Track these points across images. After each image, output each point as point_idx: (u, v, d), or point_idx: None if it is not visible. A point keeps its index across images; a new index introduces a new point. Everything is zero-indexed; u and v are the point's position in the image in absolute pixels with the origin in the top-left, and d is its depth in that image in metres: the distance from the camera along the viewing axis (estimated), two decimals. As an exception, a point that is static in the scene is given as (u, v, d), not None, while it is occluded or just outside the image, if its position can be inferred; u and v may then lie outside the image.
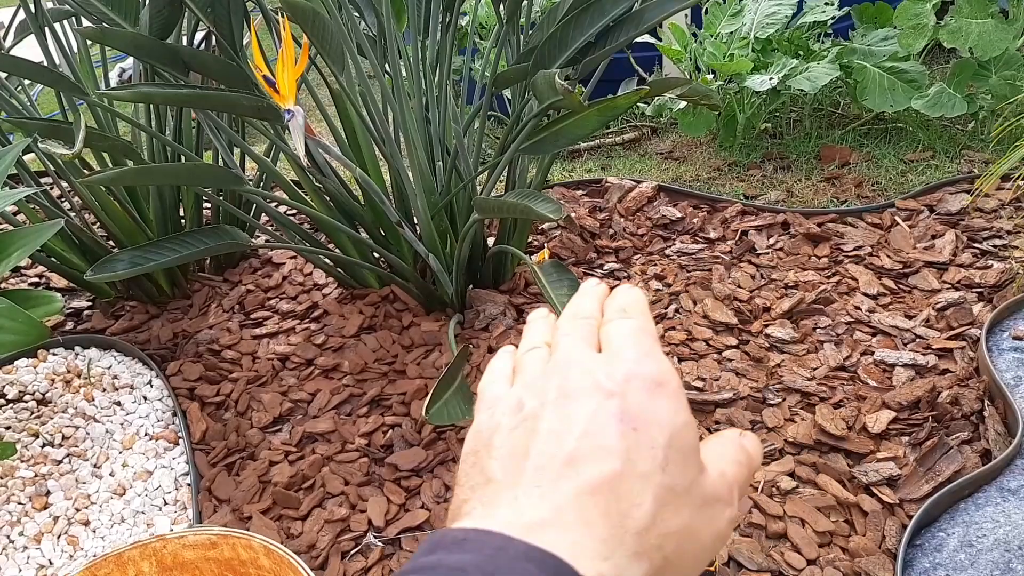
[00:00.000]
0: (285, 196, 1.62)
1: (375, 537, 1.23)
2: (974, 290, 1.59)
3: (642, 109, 2.75)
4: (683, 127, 2.32)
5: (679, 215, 2.01)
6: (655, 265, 1.85)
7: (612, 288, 0.37)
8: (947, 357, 1.45)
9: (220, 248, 1.31)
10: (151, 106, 1.82)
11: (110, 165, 1.84)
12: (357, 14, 1.56)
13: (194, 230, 1.31)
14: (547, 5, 1.47)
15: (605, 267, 1.87)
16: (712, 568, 1.01)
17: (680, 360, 1.54)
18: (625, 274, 1.84)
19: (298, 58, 1.16)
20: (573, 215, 2.01)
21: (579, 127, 1.33)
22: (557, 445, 0.29)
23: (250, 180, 2.15)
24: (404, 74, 1.51)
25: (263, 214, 2.08)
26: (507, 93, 2.75)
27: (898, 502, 1.19)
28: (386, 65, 1.50)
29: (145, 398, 1.61)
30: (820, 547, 1.15)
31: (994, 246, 1.71)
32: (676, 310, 1.68)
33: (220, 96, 1.26)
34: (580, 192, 2.18)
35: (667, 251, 1.91)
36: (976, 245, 1.71)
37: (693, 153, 2.46)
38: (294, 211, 2.20)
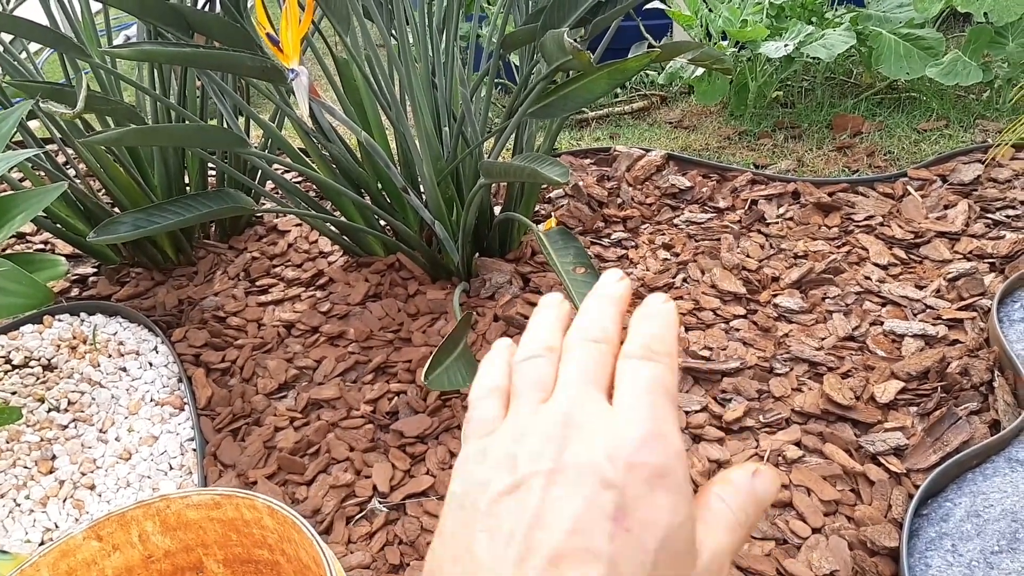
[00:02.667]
0: (290, 161, 1.61)
1: (380, 503, 1.23)
2: (986, 260, 1.57)
3: (653, 77, 2.71)
4: (698, 95, 2.28)
5: (688, 184, 1.98)
6: (663, 234, 1.83)
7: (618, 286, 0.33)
8: (957, 328, 1.43)
9: (223, 212, 1.30)
10: (155, 71, 1.80)
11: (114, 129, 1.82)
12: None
13: (197, 193, 1.29)
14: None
15: (613, 236, 1.85)
16: None
17: (687, 329, 1.53)
18: (633, 243, 1.82)
19: (302, 17, 1.14)
20: (581, 184, 1.99)
21: (588, 91, 1.30)
22: (544, 535, 0.27)
23: (255, 146, 2.13)
24: (411, 39, 1.49)
25: (268, 181, 2.07)
26: (515, 61, 2.72)
27: (905, 472, 1.18)
28: (392, 29, 1.47)
29: (151, 364, 1.61)
30: (826, 516, 1.15)
31: (1007, 216, 1.68)
32: (684, 279, 1.66)
33: (223, 55, 1.24)
34: (588, 161, 2.16)
35: (676, 220, 1.89)
36: (989, 215, 1.69)
37: (703, 122, 2.43)
38: (300, 178, 2.18)
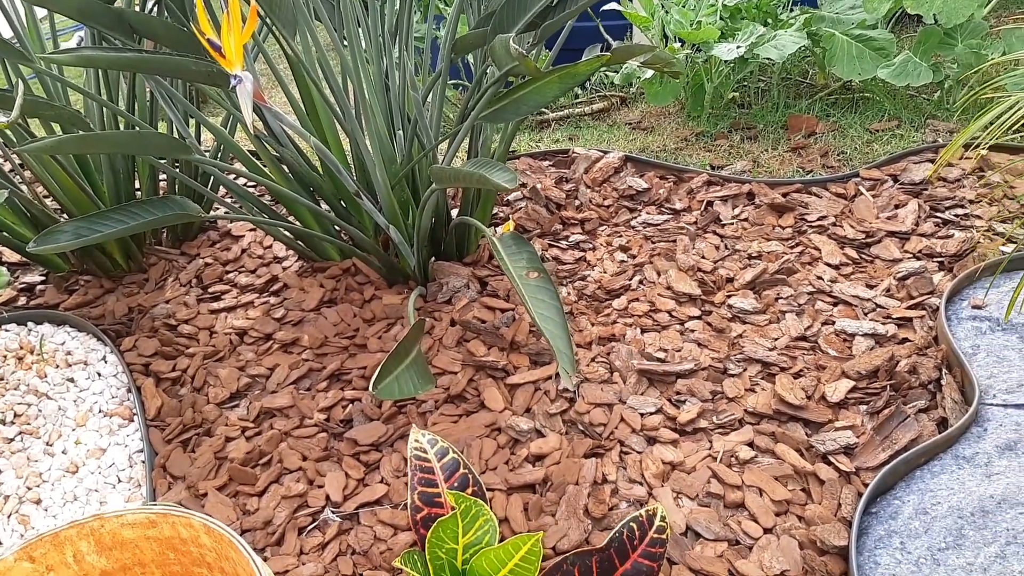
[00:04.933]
0: (243, 168, 1.58)
1: (333, 512, 1.22)
2: (935, 259, 1.60)
3: (611, 79, 2.72)
4: (650, 97, 2.29)
5: (645, 186, 1.99)
6: (620, 236, 1.84)
7: None
8: (907, 326, 1.45)
9: (169, 219, 1.27)
10: (103, 76, 1.76)
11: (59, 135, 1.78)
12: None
13: (142, 200, 1.27)
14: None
15: (571, 238, 1.85)
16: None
17: (643, 331, 1.53)
18: (591, 245, 1.82)
19: (245, 22, 1.12)
20: (539, 186, 1.99)
21: (540, 94, 1.30)
22: None
23: (207, 152, 2.10)
24: (363, 42, 1.47)
25: (222, 187, 2.04)
26: (473, 60, 2.71)
27: (854, 470, 1.20)
28: (344, 33, 1.45)
29: (99, 374, 1.57)
30: (777, 516, 1.15)
31: (956, 215, 1.71)
32: (640, 281, 1.67)
33: (168, 60, 1.22)
34: (547, 163, 2.15)
35: (633, 222, 1.89)
36: (938, 214, 1.72)
37: (661, 123, 2.44)
38: (254, 183, 2.15)
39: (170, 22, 1.38)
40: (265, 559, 1.17)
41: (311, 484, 1.27)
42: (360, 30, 1.46)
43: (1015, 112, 0.98)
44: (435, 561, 0.80)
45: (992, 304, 1.45)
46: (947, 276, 1.54)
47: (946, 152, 1.09)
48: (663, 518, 0.88)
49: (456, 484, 0.88)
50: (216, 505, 1.25)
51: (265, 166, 1.65)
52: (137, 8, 1.72)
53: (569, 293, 1.66)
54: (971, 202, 1.74)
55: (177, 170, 1.80)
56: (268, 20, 1.31)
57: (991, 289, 1.50)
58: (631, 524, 0.87)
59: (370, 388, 0.99)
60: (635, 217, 1.91)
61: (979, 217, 1.70)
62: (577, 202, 1.98)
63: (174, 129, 1.78)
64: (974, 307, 1.45)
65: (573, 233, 1.87)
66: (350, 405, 1.40)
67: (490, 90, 1.25)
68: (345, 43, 1.43)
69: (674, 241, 1.78)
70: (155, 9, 1.80)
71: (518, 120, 1.62)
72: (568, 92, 1.29)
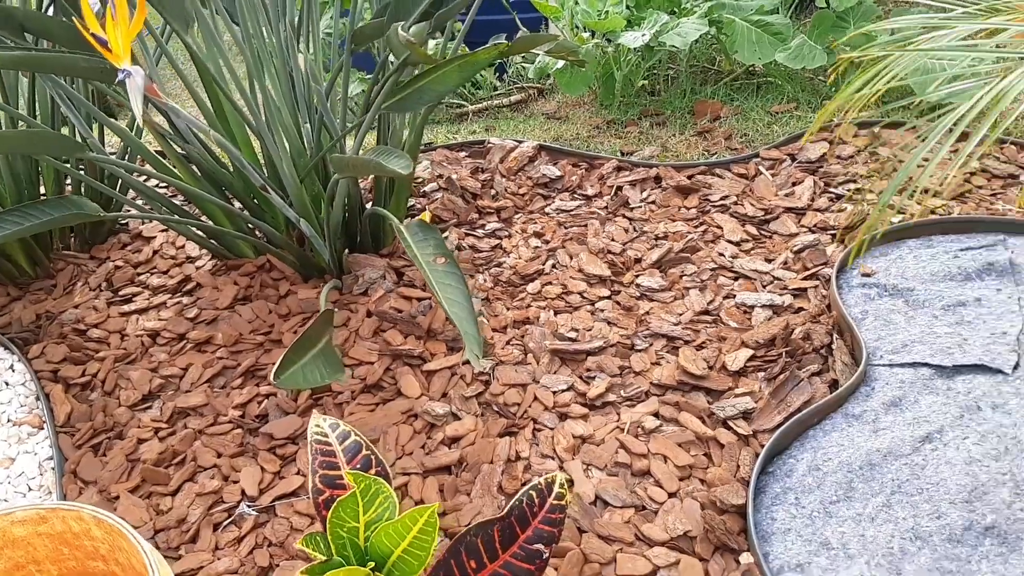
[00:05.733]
0: (151, 168, 1.56)
1: (248, 506, 1.22)
2: (829, 232, 1.68)
3: (527, 71, 2.75)
4: (561, 86, 2.34)
5: (559, 173, 2.03)
6: (535, 223, 1.87)
7: None
8: (802, 296, 1.52)
9: (67, 219, 1.25)
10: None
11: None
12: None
13: (37, 201, 1.24)
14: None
15: (487, 227, 1.88)
16: None
17: (556, 313, 1.57)
18: (506, 233, 1.85)
19: (133, 16, 1.11)
20: (455, 177, 2.01)
21: (441, 83, 1.32)
22: None
23: (114, 153, 2.06)
24: (266, 36, 1.47)
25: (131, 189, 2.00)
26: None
27: (752, 433, 1.26)
28: (248, 27, 1.45)
29: (7, 383, 1.53)
30: (680, 480, 1.21)
31: (848, 190, 1.80)
32: (553, 265, 1.71)
33: (56, 58, 1.20)
34: (463, 153, 2.18)
35: (547, 209, 1.93)
36: (832, 190, 1.80)
37: (576, 112, 2.49)
38: (165, 184, 2.12)
39: (63, 20, 1.36)
40: (179, 557, 1.16)
41: (226, 480, 1.27)
42: (263, 25, 1.45)
43: (877, 82, 1.04)
44: (337, 541, 0.81)
45: (880, 272, 1.54)
46: (840, 247, 1.62)
47: (818, 118, 1.15)
48: (562, 484, 0.91)
49: (359, 466, 0.90)
50: (129, 507, 1.24)
51: (173, 164, 1.63)
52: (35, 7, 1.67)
53: (485, 280, 1.69)
54: (862, 176, 1.84)
55: (83, 172, 1.77)
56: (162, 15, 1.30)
57: (880, 257, 1.58)
58: (530, 492, 0.90)
59: (271, 378, 1.00)
60: (549, 204, 1.95)
61: (870, 191, 1.79)
62: (493, 191, 2.00)
63: (76, 131, 1.75)
64: (863, 275, 1.53)
65: (489, 221, 1.90)
66: (265, 400, 1.40)
67: (391, 80, 1.27)
68: (241, 33, 1.42)
69: (586, 226, 1.83)
70: (50, 8, 1.75)
71: (427, 110, 1.64)
72: (467, 80, 1.31)
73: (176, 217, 1.61)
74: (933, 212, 1.69)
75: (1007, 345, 1.27)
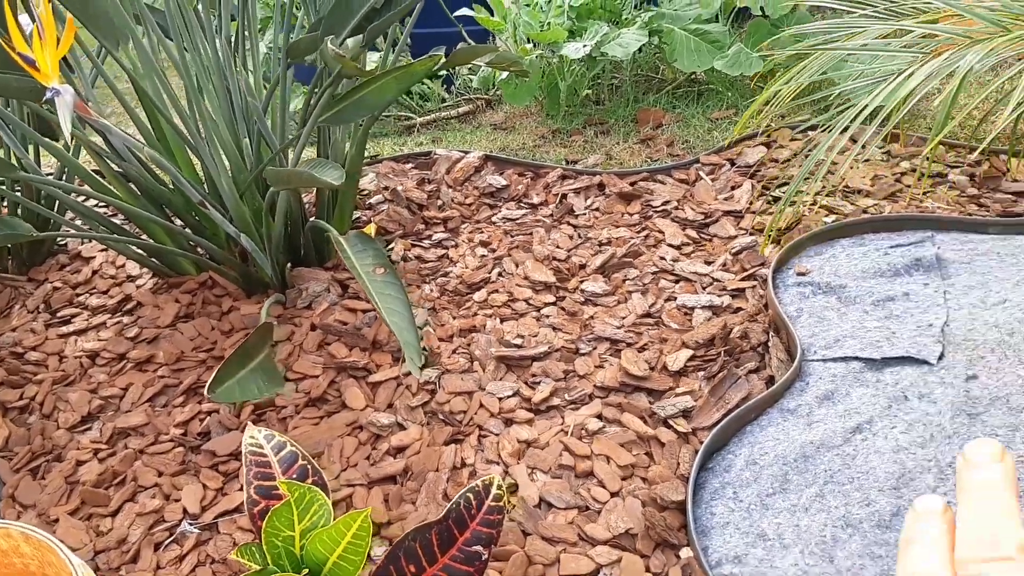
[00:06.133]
0: (89, 188, 1.54)
1: (190, 524, 1.21)
2: (766, 234, 1.72)
3: (474, 82, 2.78)
4: (506, 96, 2.36)
5: (505, 183, 2.05)
6: (482, 232, 1.89)
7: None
8: (740, 296, 1.56)
9: (-3, 241, 1.23)
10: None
11: None
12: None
13: (-35, 224, 1.22)
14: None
15: (433, 237, 1.89)
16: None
17: (502, 321, 1.58)
18: (453, 243, 1.86)
19: (62, 34, 1.10)
20: (400, 188, 2.02)
21: (379, 95, 1.33)
22: None
23: (51, 174, 2.03)
24: (203, 51, 1.47)
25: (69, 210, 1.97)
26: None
27: (692, 431, 1.28)
28: (184, 43, 1.44)
29: (-60, 410, 1.50)
30: (623, 480, 1.22)
31: (784, 192, 1.85)
32: (499, 274, 1.72)
33: (-17, 79, 1.18)
34: (409, 165, 2.19)
35: (493, 218, 1.95)
36: (769, 192, 1.85)
37: (523, 123, 2.51)
38: (104, 203, 2.09)
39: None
40: (121, 577, 1.15)
41: (167, 499, 1.26)
42: (199, 41, 1.45)
43: (790, 84, 1.08)
44: (272, 550, 0.81)
45: (815, 270, 1.58)
46: (776, 248, 1.67)
47: (744, 116, 1.19)
48: (499, 487, 0.92)
49: (295, 476, 0.90)
50: (68, 529, 1.22)
51: (110, 183, 1.61)
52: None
53: (432, 290, 1.70)
54: (791, 179, 1.89)
55: (18, 194, 1.74)
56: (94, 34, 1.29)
57: (815, 257, 1.63)
58: (468, 495, 0.91)
59: (206, 392, 1.00)
60: (495, 213, 1.97)
61: (805, 192, 1.84)
62: (439, 202, 2.02)
63: (11, 153, 1.72)
64: (799, 274, 1.58)
65: (436, 232, 1.91)
66: (208, 418, 1.39)
67: (327, 93, 1.28)
68: (185, 51, 1.42)
69: (531, 234, 1.85)
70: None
71: (368, 122, 1.65)
72: (404, 91, 1.32)
73: (114, 236, 1.59)
74: (865, 212, 1.75)
75: (932, 337, 1.32)
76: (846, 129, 0.94)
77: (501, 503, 0.93)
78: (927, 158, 1.93)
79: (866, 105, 0.95)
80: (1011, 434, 1.10)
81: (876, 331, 1.38)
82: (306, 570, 0.80)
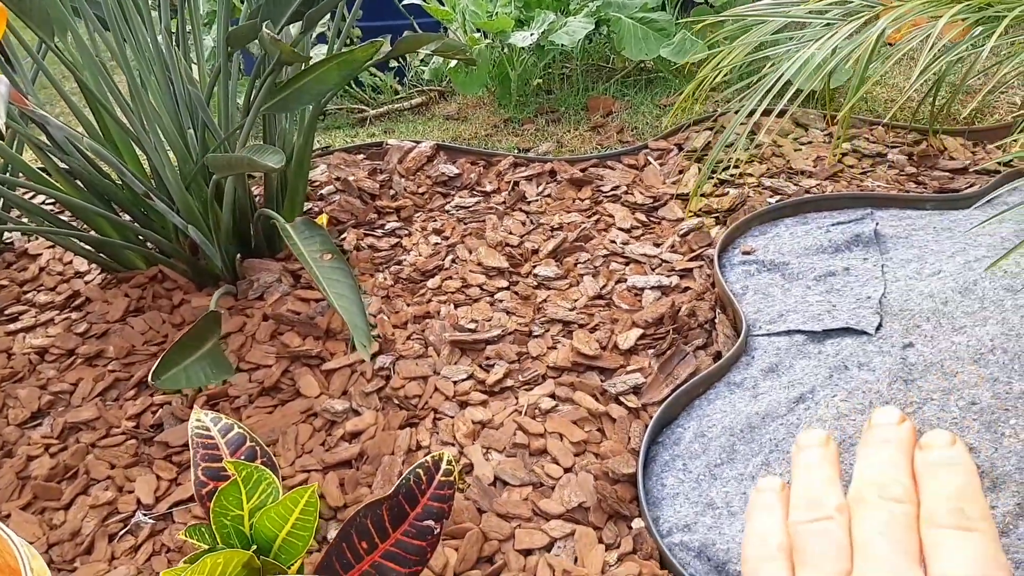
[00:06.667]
0: (32, 183, 1.51)
1: (144, 515, 1.20)
2: (712, 215, 1.76)
3: (425, 73, 2.78)
4: (457, 85, 2.37)
5: (457, 171, 2.06)
6: (435, 221, 1.90)
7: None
8: (688, 276, 1.59)
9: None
10: None
11: None
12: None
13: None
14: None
15: (386, 226, 1.89)
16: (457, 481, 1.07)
17: (456, 306, 1.60)
18: (406, 232, 1.87)
19: (-6, 23, 1.08)
20: (351, 179, 2.02)
21: (321, 82, 1.33)
22: None
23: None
24: (143, 42, 1.45)
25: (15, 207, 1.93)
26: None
27: (642, 406, 1.31)
28: (121, 33, 1.43)
29: None
30: (575, 456, 1.25)
31: (731, 175, 1.89)
32: (453, 260, 1.74)
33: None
34: (360, 156, 2.18)
35: (446, 207, 1.96)
36: (715, 175, 1.89)
37: (475, 113, 2.52)
38: (52, 200, 2.05)
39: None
40: (74, 569, 1.14)
41: (120, 491, 1.25)
42: (138, 31, 1.43)
43: (720, 69, 1.11)
44: (221, 530, 0.82)
45: (760, 249, 1.62)
46: (722, 229, 1.70)
47: (676, 106, 1.22)
48: (449, 461, 0.94)
49: (244, 457, 0.91)
50: (21, 524, 1.20)
51: (54, 178, 1.59)
52: None
53: (386, 278, 1.70)
54: (744, 162, 1.93)
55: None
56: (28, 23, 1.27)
57: (760, 236, 1.67)
58: (418, 471, 0.92)
59: (150, 379, 1.00)
60: (448, 202, 1.98)
61: (751, 175, 1.88)
62: (392, 191, 2.02)
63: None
64: (744, 253, 1.62)
65: (389, 221, 1.91)
66: (160, 409, 1.38)
67: (268, 81, 1.27)
68: (124, 40, 1.40)
69: (484, 221, 1.86)
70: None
71: (314, 111, 1.65)
72: (348, 79, 1.33)
73: (61, 230, 1.57)
74: (808, 192, 1.79)
75: (871, 308, 1.36)
76: (768, 94, 0.97)
77: (452, 478, 0.94)
78: (845, 134, 1.99)
79: (781, 74, 0.98)
80: (944, 397, 1.15)
81: (818, 305, 1.42)
82: (255, 547, 0.80)
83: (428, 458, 0.94)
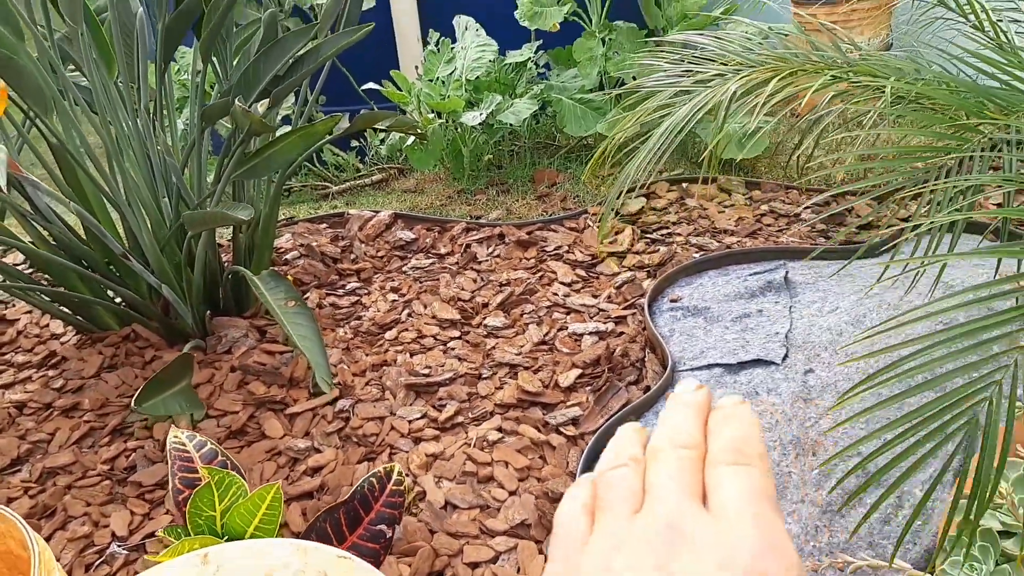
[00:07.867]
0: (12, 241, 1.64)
1: (119, 546, 1.29)
2: (645, 270, 1.94)
3: (383, 151, 2.98)
4: (412, 160, 2.57)
5: (414, 236, 2.23)
6: (393, 280, 2.05)
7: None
8: (622, 323, 1.76)
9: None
10: None
11: None
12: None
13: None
14: (241, 43, 1.64)
15: (347, 287, 2.04)
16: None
17: (411, 355, 1.73)
18: (366, 291, 2.02)
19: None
20: (314, 244, 2.17)
21: (287, 152, 1.50)
22: None
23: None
24: (124, 121, 1.61)
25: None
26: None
27: (579, 435, 1.45)
28: (105, 113, 1.59)
29: None
30: (520, 480, 1.37)
31: (662, 235, 2.08)
32: (408, 314, 1.88)
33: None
34: (323, 225, 2.34)
35: (404, 268, 2.11)
36: (648, 236, 2.08)
37: (431, 187, 2.72)
38: (32, 268, 2.17)
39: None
40: (50, 598, 1.22)
41: (96, 526, 1.34)
42: (119, 111, 1.59)
43: (618, 141, 1.31)
44: (196, 529, 0.93)
45: (685, 297, 1.80)
46: (653, 281, 1.88)
47: (592, 163, 1.42)
48: (400, 472, 1.06)
49: (216, 466, 1.02)
50: None
51: (36, 246, 1.72)
52: None
53: (346, 332, 1.84)
54: (673, 223, 2.13)
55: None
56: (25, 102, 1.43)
57: (687, 286, 1.85)
58: (371, 480, 1.04)
59: (133, 403, 1.11)
60: (406, 263, 2.13)
61: (679, 234, 2.08)
62: (352, 255, 2.17)
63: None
64: (672, 301, 1.79)
65: (349, 282, 2.06)
66: (133, 453, 1.48)
67: (239, 150, 1.44)
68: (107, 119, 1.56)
69: (438, 279, 2.02)
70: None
71: (280, 181, 1.82)
72: (310, 150, 1.50)
73: (39, 286, 1.68)
74: (729, 248, 1.99)
75: (779, 342, 1.53)
76: (648, 154, 1.16)
77: (402, 487, 1.06)
78: (715, 179, 2.20)
79: (650, 132, 1.18)
80: (837, 412, 1.30)
81: (734, 342, 1.59)
82: (226, 538, 0.91)
83: (381, 468, 1.06)
